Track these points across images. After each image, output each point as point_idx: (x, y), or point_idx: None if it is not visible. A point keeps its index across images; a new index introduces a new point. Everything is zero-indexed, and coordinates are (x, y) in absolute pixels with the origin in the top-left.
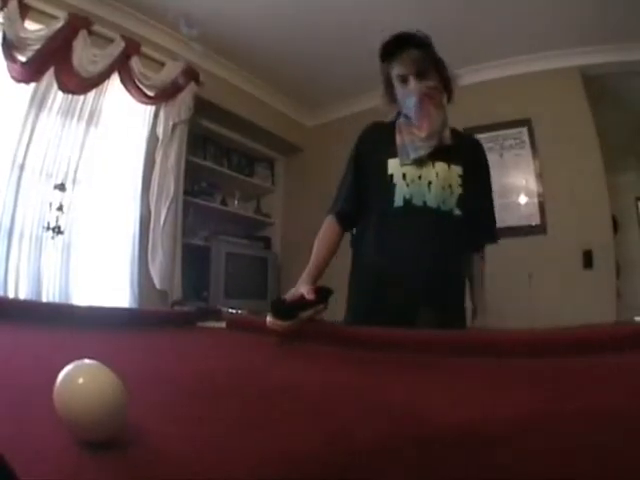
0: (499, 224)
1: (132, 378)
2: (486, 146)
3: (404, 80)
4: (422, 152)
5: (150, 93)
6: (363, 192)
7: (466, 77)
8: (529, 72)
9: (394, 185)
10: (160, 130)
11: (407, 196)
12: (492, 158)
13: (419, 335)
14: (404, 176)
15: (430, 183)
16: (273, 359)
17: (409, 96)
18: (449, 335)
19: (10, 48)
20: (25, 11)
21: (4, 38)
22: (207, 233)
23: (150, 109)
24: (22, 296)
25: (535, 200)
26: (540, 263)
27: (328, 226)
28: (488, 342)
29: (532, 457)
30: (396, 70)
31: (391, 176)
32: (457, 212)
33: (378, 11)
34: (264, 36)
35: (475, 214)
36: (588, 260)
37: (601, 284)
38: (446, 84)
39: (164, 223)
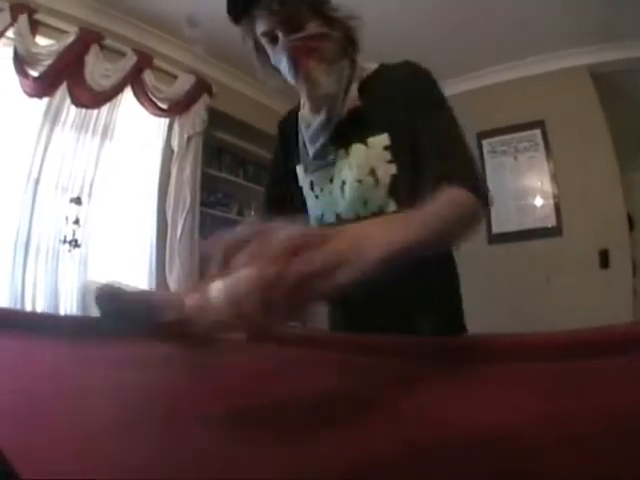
0: (518, 227)
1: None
2: (500, 149)
3: (273, 39)
4: (320, 141)
5: (163, 106)
6: (283, 200)
7: (476, 81)
8: (539, 73)
9: (304, 199)
10: (175, 142)
11: (318, 214)
12: (506, 161)
13: (422, 341)
14: (312, 186)
15: (344, 183)
16: (292, 368)
17: (280, 56)
18: (460, 341)
19: (22, 63)
20: (35, 26)
21: (15, 53)
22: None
23: (164, 122)
24: (39, 309)
25: (551, 202)
26: (557, 265)
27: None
28: (503, 347)
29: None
30: (259, 27)
31: (301, 189)
32: (391, 207)
33: (390, 19)
34: None
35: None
36: (604, 260)
37: (618, 283)
38: (341, 28)
39: (181, 234)
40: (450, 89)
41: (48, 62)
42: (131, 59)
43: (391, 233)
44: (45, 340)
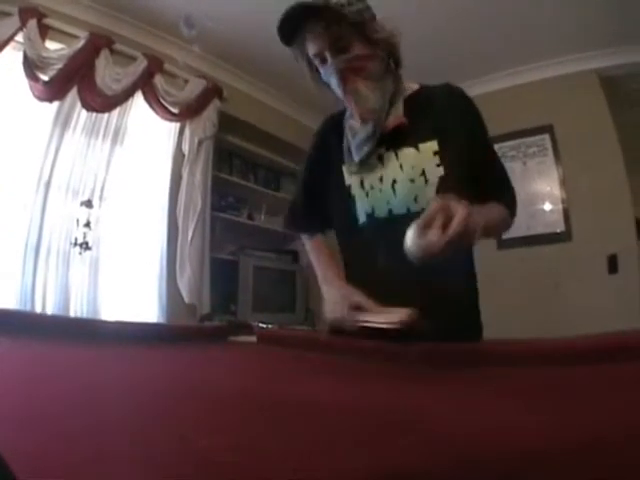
0: (527, 232)
1: (172, 391)
2: (509, 155)
3: (322, 59)
4: (365, 149)
5: (174, 110)
6: (319, 203)
7: (485, 85)
8: (547, 78)
9: (353, 198)
10: (186, 147)
11: (368, 209)
12: (515, 166)
13: (445, 348)
14: (362, 184)
15: (395, 182)
16: (306, 373)
17: (330, 77)
18: (475, 347)
19: (32, 67)
20: (45, 31)
21: (25, 57)
22: (234, 247)
23: (175, 126)
24: (49, 311)
25: (560, 207)
26: (566, 270)
27: (305, 238)
28: (519, 353)
29: None
30: (309, 50)
31: (349, 187)
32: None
33: (400, 24)
34: (287, 50)
35: (477, 181)
36: (613, 265)
37: (627, 289)
38: (384, 47)
39: (192, 238)
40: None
41: (58, 66)
42: (141, 63)
43: (480, 219)
44: (55, 343)
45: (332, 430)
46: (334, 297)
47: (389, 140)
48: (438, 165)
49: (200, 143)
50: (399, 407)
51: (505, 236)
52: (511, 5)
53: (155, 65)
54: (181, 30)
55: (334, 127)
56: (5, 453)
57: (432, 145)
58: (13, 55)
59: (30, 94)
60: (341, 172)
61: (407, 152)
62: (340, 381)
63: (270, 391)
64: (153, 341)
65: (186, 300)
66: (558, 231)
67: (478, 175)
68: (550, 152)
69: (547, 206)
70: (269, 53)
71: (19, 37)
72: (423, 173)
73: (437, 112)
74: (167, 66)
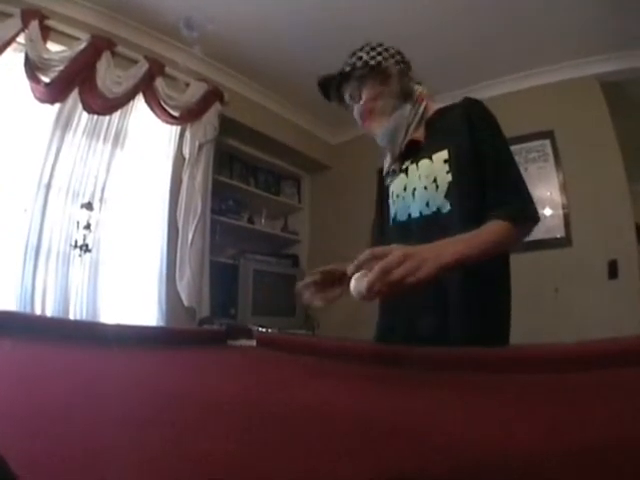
0: (527, 237)
1: (171, 395)
2: None
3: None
4: (391, 166)
5: (175, 113)
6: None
7: (485, 91)
8: (548, 83)
9: (388, 206)
10: (186, 150)
11: (393, 214)
12: None
13: (451, 353)
14: (392, 193)
15: (414, 190)
16: (306, 377)
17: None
18: (478, 352)
19: (33, 69)
20: (46, 32)
21: (26, 59)
22: (234, 251)
23: (176, 129)
24: (49, 313)
25: (560, 212)
26: (566, 275)
27: None
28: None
29: None
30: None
31: (387, 197)
32: (446, 208)
33: (399, 27)
34: (288, 54)
35: (487, 186)
36: (613, 270)
37: (627, 294)
38: (394, 83)
39: (192, 241)
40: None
41: (59, 68)
42: (143, 66)
43: (454, 248)
44: (54, 345)
45: (331, 435)
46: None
47: (412, 154)
48: (447, 172)
49: (201, 146)
50: (399, 412)
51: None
52: (511, 11)
53: (156, 68)
54: (181, 32)
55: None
56: (6, 453)
57: (443, 154)
58: (14, 56)
59: (31, 96)
60: (386, 190)
61: (423, 163)
62: (339, 386)
63: (269, 395)
64: (152, 344)
65: (185, 303)
66: (558, 236)
67: (487, 180)
68: (551, 157)
69: (547, 211)
70: (270, 57)
71: (20, 38)
72: (435, 180)
73: (451, 124)
74: (168, 69)
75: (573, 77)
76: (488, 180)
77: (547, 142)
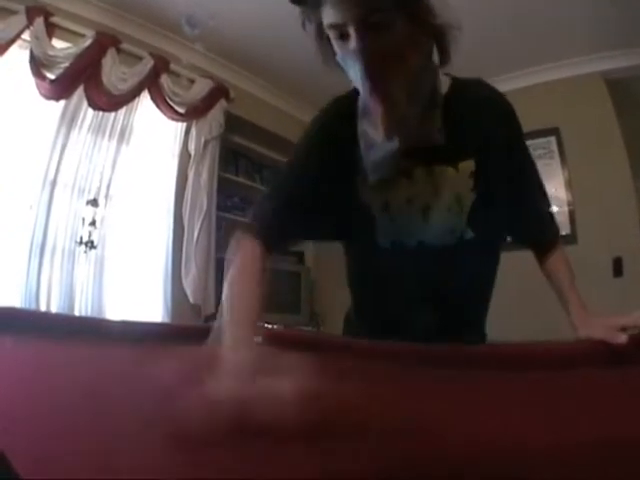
0: None
1: (177, 392)
2: None
3: (343, 34)
4: (385, 170)
5: (181, 110)
6: (307, 210)
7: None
8: (553, 80)
9: (372, 217)
10: (192, 147)
11: (394, 236)
12: None
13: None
14: (386, 206)
15: (427, 208)
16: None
17: (350, 60)
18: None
19: (38, 66)
20: (52, 29)
21: (32, 56)
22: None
23: (181, 126)
24: (54, 310)
25: (565, 209)
26: None
27: (245, 248)
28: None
29: None
30: (326, 18)
31: (366, 207)
32: (469, 235)
33: None
34: (293, 50)
35: (514, 214)
36: (618, 268)
37: (632, 292)
38: (434, 35)
39: (197, 238)
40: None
41: (65, 65)
42: (148, 63)
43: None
44: (59, 342)
45: (335, 432)
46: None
47: (420, 152)
48: (472, 189)
49: (206, 143)
50: (401, 410)
51: (509, 238)
52: (516, 8)
53: (162, 65)
54: (183, 29)
55: (345, 119)
56: (8, 451)
57: (469, 165)
58: (20, 53)
59: (36, 92)
60: (355, 184)
61: (444, 172)
62: (344, 383)
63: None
64: (157, 341)
65: (191, 300)
66: (563, 233)
67: (517, 201)
68: (556, 155)
69: (553, 209)
70: (276, 54)
71: (26, 35)
72: (459, 200)
73: (477, 122)
74: (174, 66)
75: (579, 74)
76: (523, 198)
77: (552, 139)
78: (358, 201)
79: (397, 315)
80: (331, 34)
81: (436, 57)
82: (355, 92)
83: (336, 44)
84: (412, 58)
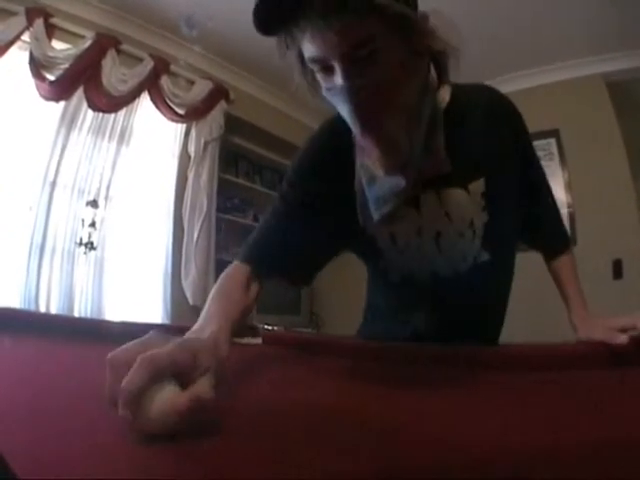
0: None
1: None
2: None
3: (326, 67)
4: (389, 206)
5: (180, 111)
6: (303, 247)
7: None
8: (553, 82)
9: (379, 251)
10: (192, 148)
11: (404, 270)
12: None
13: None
14: (393, 239)
15: (439, 235)
16: (312, 375)
17: (337, 97)
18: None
19: (38, 67)
20: (52, 31)
21: (31, 57)
22: (240, 249)
23: (181, 127)
24: (53, 311)
25: (565, 211)
26: None
27: (228, 276)
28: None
29: None
30: (307, 51)
31: (372, 238)
32: (484, 257)
33: None
34: None
35: (527, 221)
36: (618, 270)
37: (632, 294)
38: (430, 56)
39: (197, 239)
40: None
41: (65, 66)
42: (148, 64)
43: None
44: (58, 343)
45: (337, 434)
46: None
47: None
48: (483, 209)
49: (206, 144)
50: (404, 411)
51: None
52: (516, 9)
53: (161, 66)
54: (182, 30)
55: (341, 147)
56: (7, 451)
57: (479, 185)
58: (19, 54)
59: (36, 93)
60: (355, 215)
61: (455, 195)
62: (345, 384)
63: (274, 393)
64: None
65: (190, 301)
66: None
67: (531, 209)
68: (556, 156)
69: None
70: (276, 55)
71: (25, 36)
72: (471, 224)
73: (483, 134)
74: (173, 67)
75: (579, 76)
76: (536, 205)
77: (552, 141)
78: (363, 235)
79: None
80: (313, 67)
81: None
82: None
83: (320, 77)
84: (407, 89)
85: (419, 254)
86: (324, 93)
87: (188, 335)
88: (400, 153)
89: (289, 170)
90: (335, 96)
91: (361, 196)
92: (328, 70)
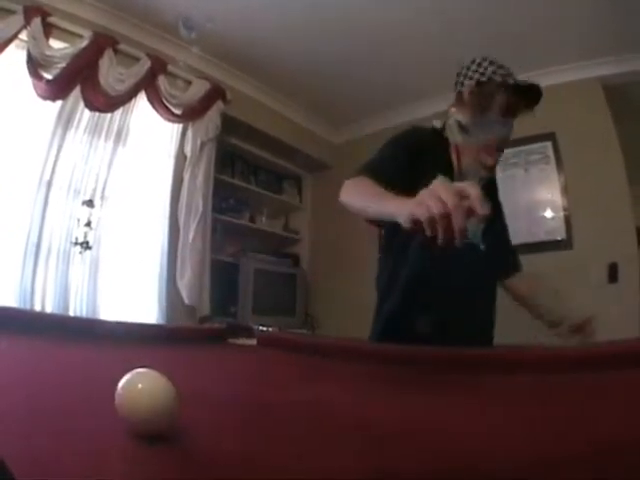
0: (527, 239)
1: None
2: (511, 161)
3: (507, 113)
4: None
5: (177, 111)
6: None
7: None
8: (550, 85)
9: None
10: (188, 148)
11: None
12: (517, 173)
13: (451, 353)
14: None
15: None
16: (307, 376)
17: (504, 126)
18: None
19: (35, 66)
20: (49, 30)
21: (29, 56)
22: (235, 250)
23: (178, 127)
24: (48, 310)
25: (561, 214)
26: (566, 278)
27: (363, 179)
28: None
29: None
30: (510, 100)
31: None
32: (482, 247)
33: (404, 28)
34: (291, 53)
35: (498, 249)
36: (613, 274)
37: (627, 298)
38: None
39: (193, 239)
40: None
41: (62, 65)
42: (145, 64)
43: None
44: (53, 342)
45: (332, 435)
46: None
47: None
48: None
49: (202, 145)
50: (400, 413)
51: None
52: (514, 12)
53: (159, 66)
54: (180, 32)
55: (435, 143)
56: (4, 452)
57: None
58: (16, 53)
59: (33, 92)
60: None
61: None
62: (340, 385)
63: (270, 394)
64: (152, 342)
65: (186, 302)
66: (559, 238)
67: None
68: (552, 160)
69: (548, 213)
70: (273, 56)
71: (23, 35)
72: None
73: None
74: (171, 67)
75: (575, 79)
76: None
77: (549, 144)
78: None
79: (429, 286)
80: (499, 106)
81: None
82: (433, 131)
83: (497, 111)
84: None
85: None
86: (489, 120)
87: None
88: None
89: (381, 149)
90: (502, 125)
91: (458, 172)
92: (506, 115)
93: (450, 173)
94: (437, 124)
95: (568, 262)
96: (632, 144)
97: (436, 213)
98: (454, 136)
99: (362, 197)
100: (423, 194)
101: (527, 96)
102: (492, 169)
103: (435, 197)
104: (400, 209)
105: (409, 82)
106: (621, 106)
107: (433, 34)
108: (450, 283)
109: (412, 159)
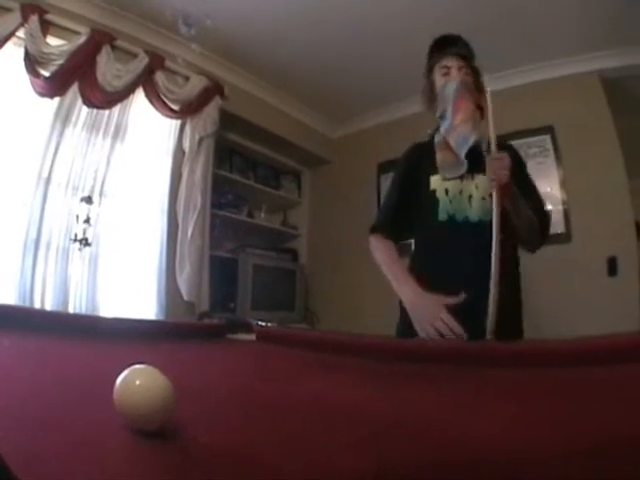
0: None
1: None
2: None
3: (447, 72)
4: (457, 172)
5: (175, 107)
6: (407, 209)
7: (486, 85)
8: (549, 79)
9: (437, 200)
10: (186, 144)
11: (450, 212)
12: None
13: (449, 347)
14: (446, 192)
15: (470, 197)
16: (306, 371)
17: (449, 83)
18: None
19: (33, 63)
20: (46, 27)
21: (26, 53)
22: (234, 245)
23: (176, 123)
24: (48, 307)
25: (560, 208)
26: (565, 271)
27: (379, 241)
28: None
29: None
30: (442, 62)
31: (434, 192)
32: (488, 219)
33: (401, 22)
34: (288, 48)
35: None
36: (612, 267)
37: (626, 291)
38: (482, 92)
39: (191, 235)
40: None
41: (59, 62)
42: (143, 60)
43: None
44: (53, 339)
45: (330, 429)
46: (424, 301)
47: (471, 166)
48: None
49: (201, 140)
50: (400, 407)
51: None
52: (512, 6)
53: (156, 62)
54: (179, 29)
55: (423, 149)
56: (4, 450)
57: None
58: (14, 50)
59: (31, 90)
60: (427, 179)
61: (480, 177)
62: (338, 380)
63: (269, 389)
64: (151, 338)
65: (185, 297)
66: (558, 232)
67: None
68: (551, 153)
69: (547, 207)
70: (270, 51)
71: (20, 33)
72: (490, 195)
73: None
74: (168, 63)
75: (574, 73)
76: (532, 200)
77: (547, 137)
78: (428, 190)
79: (445, 269)
80: (439, 72)
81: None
82: (425, 142)
83: (441, 79)
84: (474, 94)
85: (460, 205)
86: (438, 90)
87: (411, 286)
88: (470, 118)
89: (396, 166)
90: (447, 85)
91: (441, 165)
92: (447, 74)
93: (433, 165)
94: (430, 131)
95: (567, 255)
96: (630, 137)
97: (437, 333)
98: (441, 128)
99: (384, 266)
100: (424, 319)
101: (448, 44)
102: (467, 122)
103: (433, 324)
104: (407, 304)
105: (407, 77)
106: (619, 99)
107: (431, 29)
108: (461, 265)
109: (412, 168)
